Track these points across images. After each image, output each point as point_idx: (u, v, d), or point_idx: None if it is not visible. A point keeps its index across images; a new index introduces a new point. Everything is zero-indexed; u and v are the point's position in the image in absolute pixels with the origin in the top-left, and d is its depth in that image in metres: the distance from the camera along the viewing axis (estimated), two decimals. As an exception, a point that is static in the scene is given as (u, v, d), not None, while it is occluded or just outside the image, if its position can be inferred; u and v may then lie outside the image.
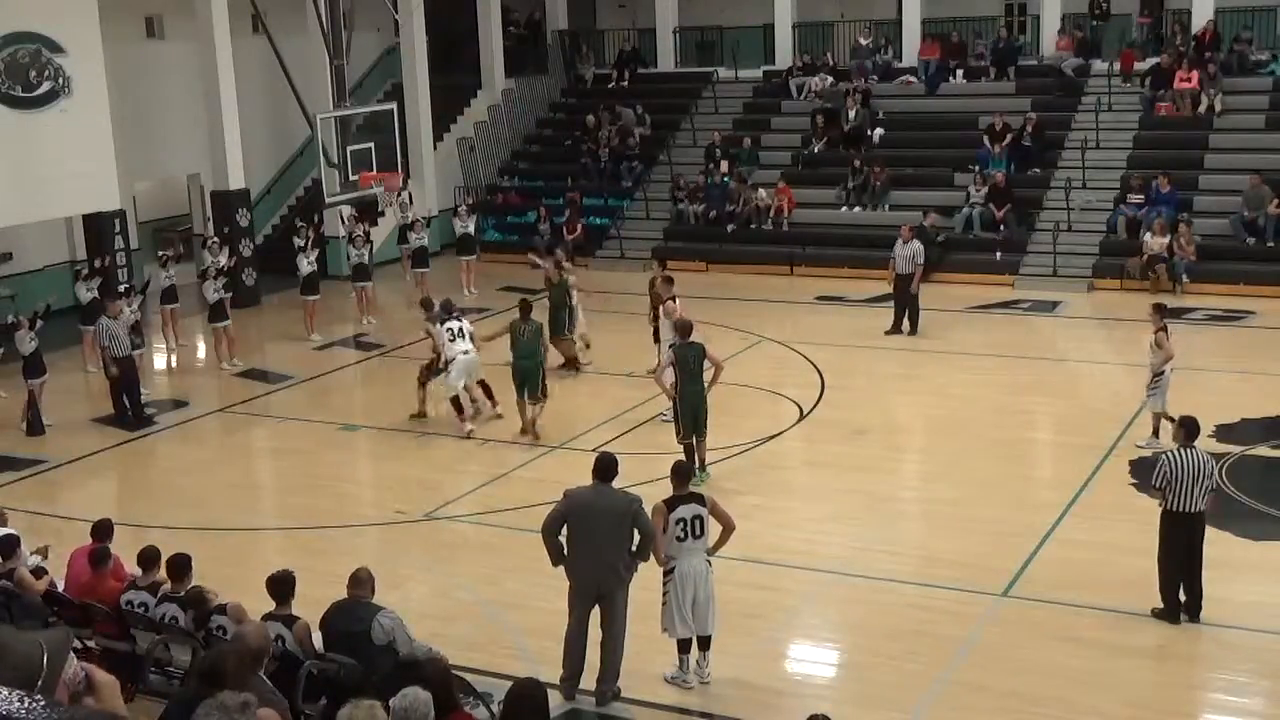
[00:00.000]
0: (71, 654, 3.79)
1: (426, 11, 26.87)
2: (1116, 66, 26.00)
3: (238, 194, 23.55)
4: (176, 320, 20.56)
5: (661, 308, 16.04)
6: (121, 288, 19.57)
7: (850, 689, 9.90)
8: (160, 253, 22.32)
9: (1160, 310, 14.63)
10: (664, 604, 9.42)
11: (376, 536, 13.02)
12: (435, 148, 27.86)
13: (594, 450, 11.69)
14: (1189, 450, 10.20)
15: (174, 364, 20.46)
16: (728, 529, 9.55)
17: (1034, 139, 24.88)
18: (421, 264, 23.41)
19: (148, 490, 15.16)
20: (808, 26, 29.91)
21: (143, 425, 16.86)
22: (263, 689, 6.39)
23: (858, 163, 25.55)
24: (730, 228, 25.60)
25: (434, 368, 16.27)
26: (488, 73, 29.73)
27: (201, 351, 20.99)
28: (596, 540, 9.16)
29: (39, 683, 3.42)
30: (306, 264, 21.05)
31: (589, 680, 9.39)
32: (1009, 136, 24.94)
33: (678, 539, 9.31)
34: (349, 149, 20.79)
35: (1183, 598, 10.34)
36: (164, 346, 20.76)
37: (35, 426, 16.51)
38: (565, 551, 9.26)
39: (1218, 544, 10.93)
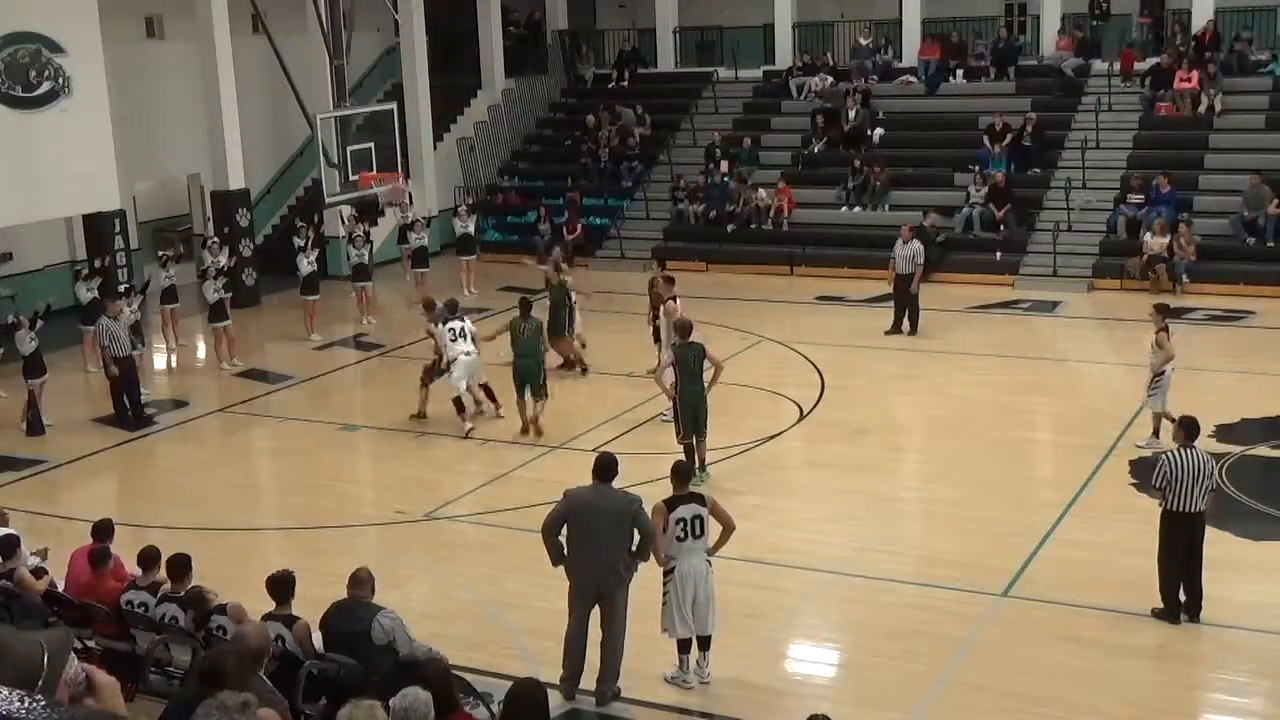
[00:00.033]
0: (72, 654, 3.78)
1: (426, 11, 26.86)
2: (1116, 66, 26.00)
3: (238, 194, 23.56)
4: (176, 320, 20.56)
5: (662, 308, 16.06)
6: (121, 288, 19.59)
7: (850, 689, 9.90)
8: (160, 253, 22.33)
9: (1163, 310, 14.64)
10: (664, 604, 9.41)
11: (376, 536, 13.02)
12: (435, 148, 27.86)
13: (594, 450, 11.69)
14: (1189, 450, 10.20)
15: (174, 364, 20.45)
16: (728, 529, 9.54)
17: (1034, 139, 24.87)
18: (421, 264, 23.41)
19: (148, 490, 15.16)
20: (808, 26, 29.90)
21: (143, 425, 16.87)
22: (263, 689, 6.39)
23: (858, 163, 25.53)
24: (730, 228, 25.59)
25: (436, 369, 16.28)
26: (488, 73, 29.73)
27: (201, 351, 20.99)
28: (596, 540, 9.16)
29: (39, 683, 3.41)
30: (306, 264, 21.06)
31: (589, 680, 9.38)
32: (1009, 136, 24.94)
33: (678, 539, 9.30)
34: (349, 149, 20.79)
35: (1183, 598, 10.34)
36: (164, 346, 20.76)
37: (35, 426, 16.51)
38: (565, 551, 9.25)
39: (1218, 544, 10.93)
